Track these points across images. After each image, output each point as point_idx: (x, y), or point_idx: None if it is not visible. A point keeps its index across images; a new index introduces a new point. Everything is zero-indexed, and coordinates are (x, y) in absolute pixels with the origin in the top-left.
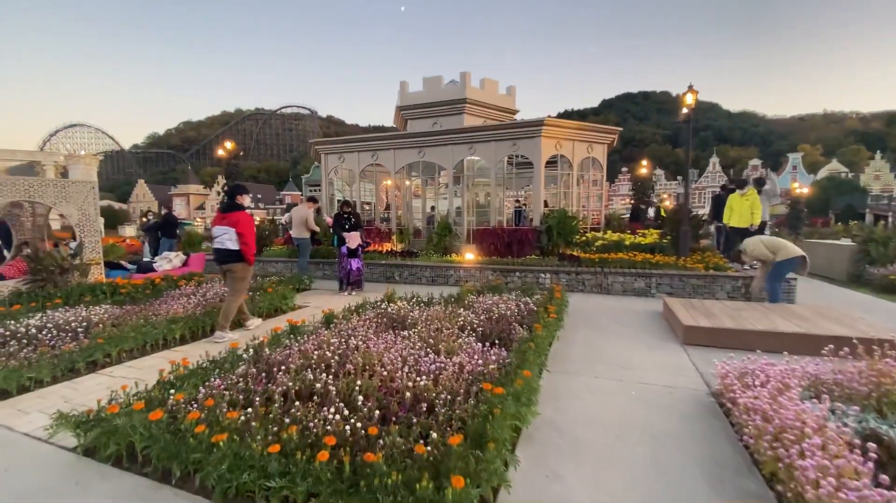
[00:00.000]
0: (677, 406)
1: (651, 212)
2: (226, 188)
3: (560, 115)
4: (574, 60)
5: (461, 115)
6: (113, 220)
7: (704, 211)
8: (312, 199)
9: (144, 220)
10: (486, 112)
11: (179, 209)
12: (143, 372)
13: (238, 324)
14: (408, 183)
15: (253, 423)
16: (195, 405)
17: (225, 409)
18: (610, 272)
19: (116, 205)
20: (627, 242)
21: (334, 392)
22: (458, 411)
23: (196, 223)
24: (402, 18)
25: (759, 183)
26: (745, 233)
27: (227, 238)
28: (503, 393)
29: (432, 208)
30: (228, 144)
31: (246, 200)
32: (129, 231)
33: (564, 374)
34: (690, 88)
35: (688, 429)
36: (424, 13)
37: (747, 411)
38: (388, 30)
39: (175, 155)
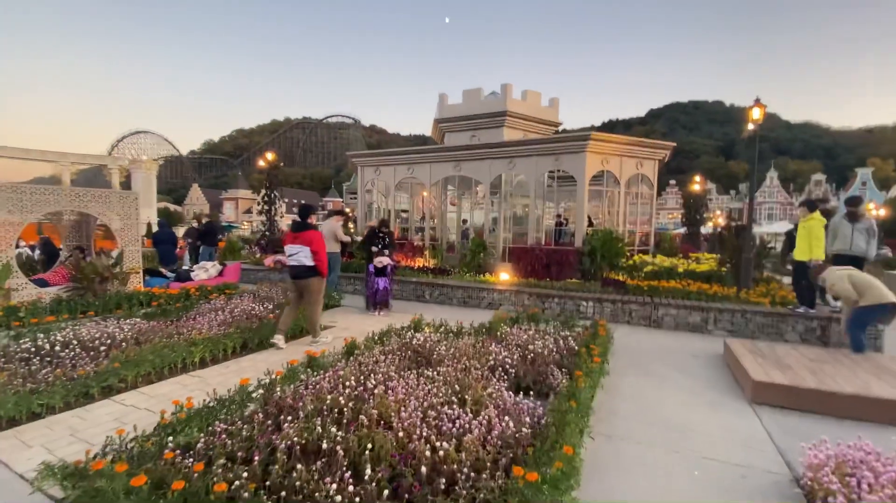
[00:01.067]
0: (755, 498)
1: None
2: (265, 197)
3: (604, 126)
4: (619, 69)
5: (501, 129)
6: (169, 222)
7: (763, 229)
8: (340, 213)
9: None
10: (527, 125)
11: (229, 212)
12: (155, 401)
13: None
14: (443, 198)
15: (245, 494)
16: (191, 458)
17: (216, 476)
18: (661, 303)
19: (172, 207)
20: (681, 269)
21: (342, 454)
22: (483, 493)
23: (243, 227)
24: (447, 29)
25: (853, 202)
26: (803, 268)
27: (302, 256)
28: (537, 480)
29: (465, 221)
30: (270, 155)
31: (314, 219)
32: (181, 232)
33: (610, 440)
34: (757, 102)
35: None
36: (468, 23)
37: None
38: (432, 40)
39: (227, 161)
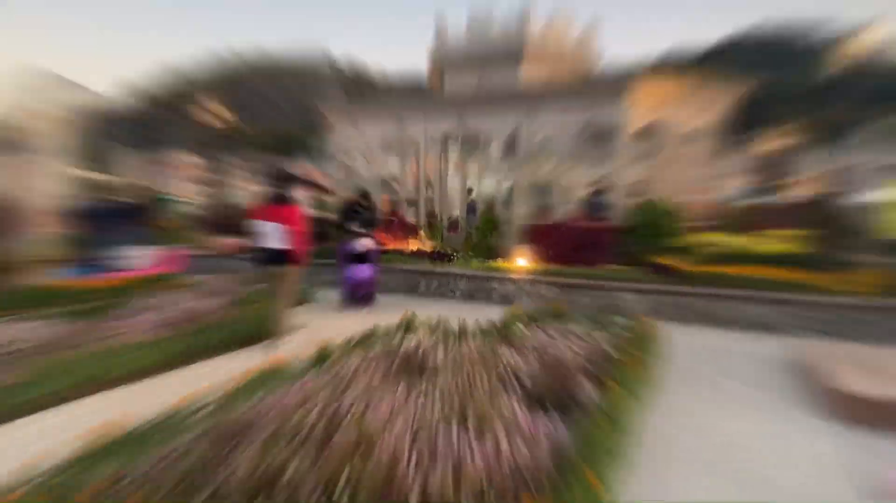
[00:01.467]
0: None
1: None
2: (213, 162)
3: (658, 63)
4: None
5: (518, 69)
6: (95, 195)
7: (870, 198)
8: (307, 182)
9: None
10: (552, 63)
11: (167, 181)
12: (72, 423)
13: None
14: (443, 161)
15: None
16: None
17: None
18: (725, 295)
19: (93, 175)
20: (754, 250)
21: (308, 488)
22: None
23: (185, 200)
24: None
25: None
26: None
27: (275, 236)
28: None
29: (471, 191)
30: (217, 109)
31: (298, 192)
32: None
33: (655, 477)
34: (877, 21)
35: None
36: None
37: None
38: None
39: (160, 115)
